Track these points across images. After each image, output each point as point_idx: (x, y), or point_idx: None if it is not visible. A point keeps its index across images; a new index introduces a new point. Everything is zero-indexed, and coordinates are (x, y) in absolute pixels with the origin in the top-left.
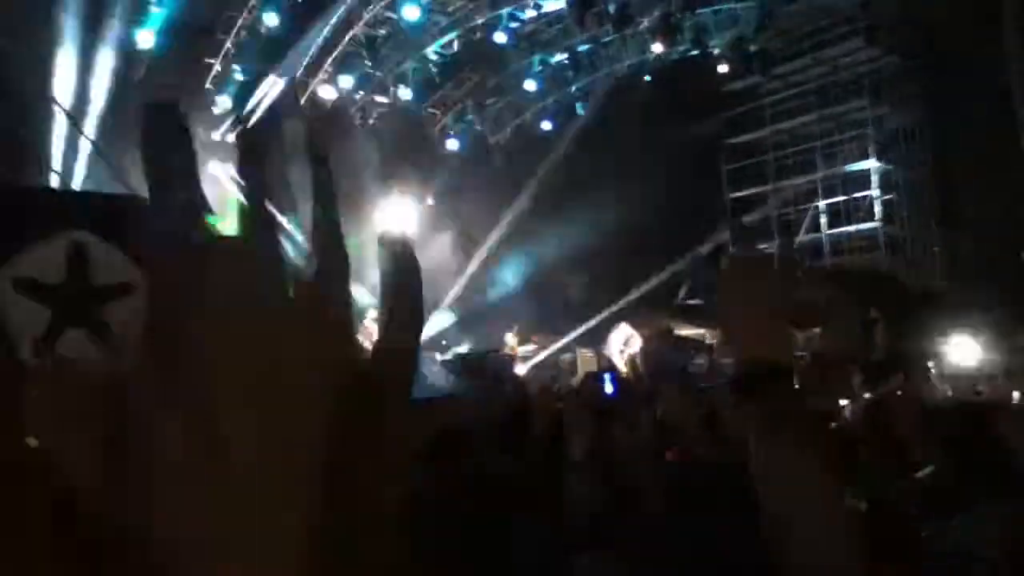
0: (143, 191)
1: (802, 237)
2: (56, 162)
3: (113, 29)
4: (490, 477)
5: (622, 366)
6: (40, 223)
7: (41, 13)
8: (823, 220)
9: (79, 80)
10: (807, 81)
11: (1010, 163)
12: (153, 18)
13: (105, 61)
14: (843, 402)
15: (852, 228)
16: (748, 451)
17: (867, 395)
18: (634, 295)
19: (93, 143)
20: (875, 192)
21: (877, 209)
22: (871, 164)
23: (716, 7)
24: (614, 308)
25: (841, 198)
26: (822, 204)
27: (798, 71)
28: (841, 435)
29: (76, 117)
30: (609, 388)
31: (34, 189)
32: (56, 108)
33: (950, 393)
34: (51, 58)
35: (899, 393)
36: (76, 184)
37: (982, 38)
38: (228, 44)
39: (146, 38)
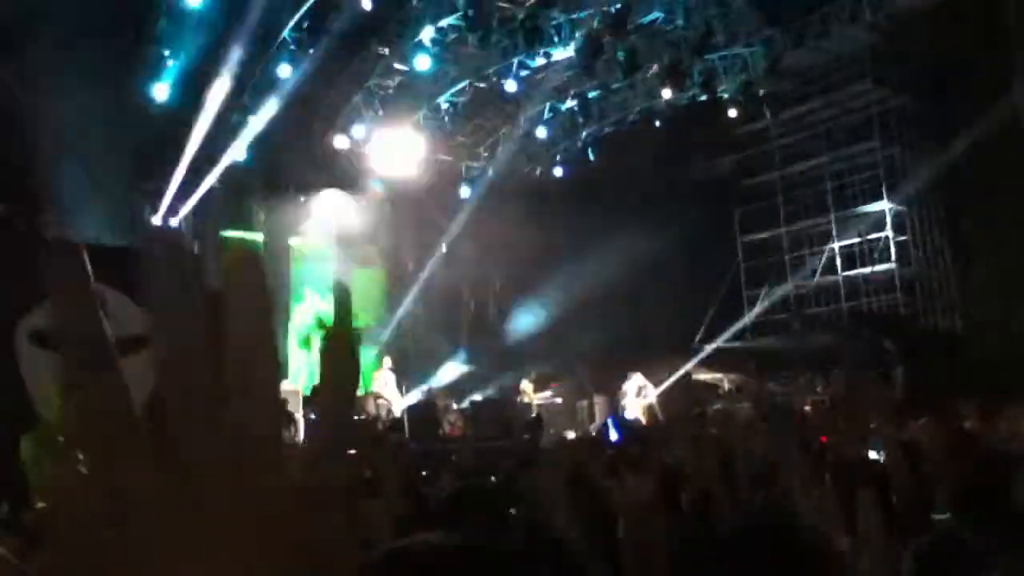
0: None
1: (817, 279)
2: (71, 215)
3: (130, 85)
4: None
5: (639, 414)
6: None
7: (56, 68)
8: (838, 262)
9: (94, 132)
10: (817, 123)
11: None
12: (168, 71)
13: (121, 115)
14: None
15: (867, 270)
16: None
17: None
18: (651, 341)
19: (106, 195)
20: (889, 233)
21: (892, 250)
22: (884, 205)
23: (724, 52)
24: (630, 354)
25: (856, 240)
26: (836, 246)
27: (807, 113)
28: (877, 480)
29: (92, 170)
30: (614, 435)
31: (49, 239)
32: (72, 161)
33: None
34: (65, 110)
35: (924, 435)
36: (90, 237)
37: (990, 75)
38: (244, 96)
39: (161, 91)
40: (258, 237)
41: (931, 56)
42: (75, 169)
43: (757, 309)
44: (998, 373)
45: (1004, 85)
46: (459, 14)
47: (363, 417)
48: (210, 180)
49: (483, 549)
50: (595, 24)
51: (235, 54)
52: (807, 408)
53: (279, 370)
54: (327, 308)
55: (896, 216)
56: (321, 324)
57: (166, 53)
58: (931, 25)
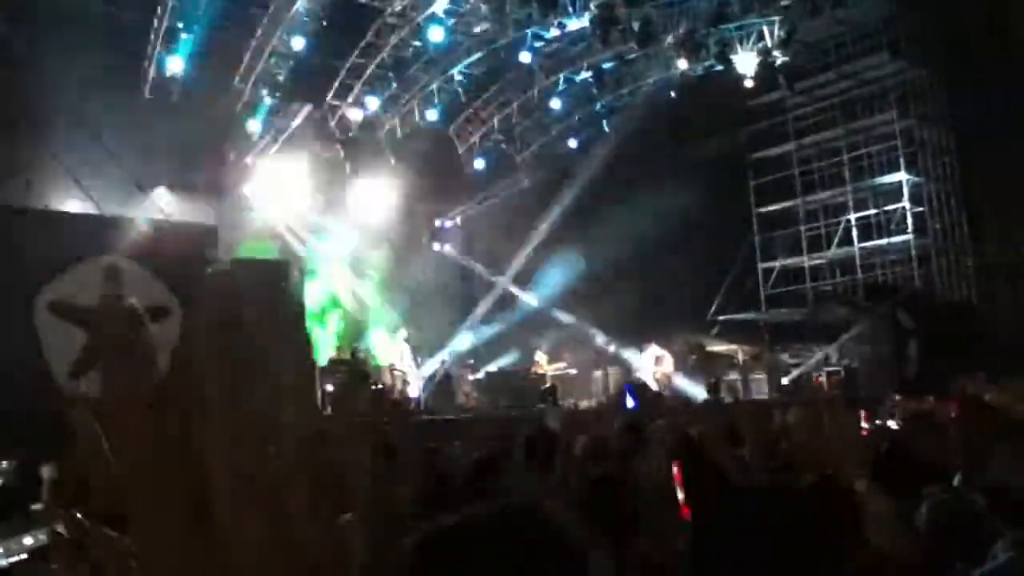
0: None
1: (833, 251)
2: (89, 189)
3: (144, 56)
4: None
5: (654, 384)
6: (77, 247)
7: (72, 42)
8: (854, 234)
9: (112, 108)
10: (832, 95)
11: None
12: (183, 44)
13: (137, 88)
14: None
15: (884, 241)
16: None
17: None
18: (666, 312)
19: (125, 169)
20: (906, 204)
21: (908, 222)
22: (901, 176)
23: (740, 22)
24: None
25: (872, 211)
26: (853, 217)
27: (823, 85)
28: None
29: (109, 145)
30: (630, 403)
31: (70, 215)
32: (89, 136)
33: None
34: (84, 86)
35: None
36: (110, 210)
37: (1006, 48)
38: (257, 69)
39: (176, 64)
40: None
41: (947, 27)
42: (93, 143)
43: (771, 280)
44: (1013, 345)
45: (1019, 57)
46: None
47: (381, 388)
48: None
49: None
50: None
51: (249, 27)
52: (821, 379)
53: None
54: (341, 284)
55: (913, 187)
56: (335, 301)
57: (180, 26)
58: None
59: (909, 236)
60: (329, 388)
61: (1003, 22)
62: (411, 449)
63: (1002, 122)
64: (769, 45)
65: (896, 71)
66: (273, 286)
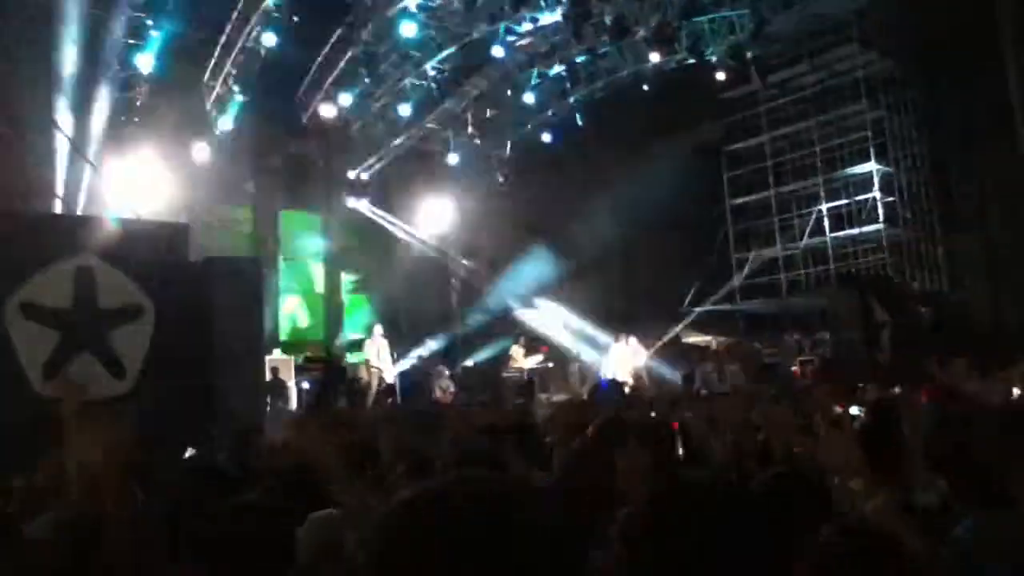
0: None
1: (806, 241)
2: (60, 188)
3: (113, 53)
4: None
5: (628, 377)
6: (47, 248)
7: (41, 39)
8: (826, 224)
9: (81, 105)
10: (804, 87)
11: (1008, 162)
12: (152, 41)
13: (106, 85)
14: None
15: (855, 231)
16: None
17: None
18: (640, 304)
19: (96, 168)
20: (877, 195)
21: (879, 212)
22: (872, 167)
23: (711, 15)
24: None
25: (843, 201)
26: (824, 208)
27: (795, 77)
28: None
29: (79, 143)
30: (605, 398)
31: (40, 215)
32: (59, 134)
33: None
34: (53, 84)
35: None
36: (81, 210)
37: (975, 40)
38: (228, 66)
39: (146, 61)
40: (247, 211)
41: (917, 19)
42: (64, 139)
43: (745, 271)
44: (985, 333)
45: (989, 49)
46: None
47: (355, 383)
48: (199, 152)
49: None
50: None
51: (219, 23)
52: (795, 369)
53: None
54: (319, 280)
55: (884, 177)
56: (315, 296)
57: (149, 23)
58: None
59: (880, 226)
60: (305, 385)
61: (970, 15)
62: (391, 444)
63: (971, 112)
64: (740, 38)
65: (866, 63)
66: (239, 281)
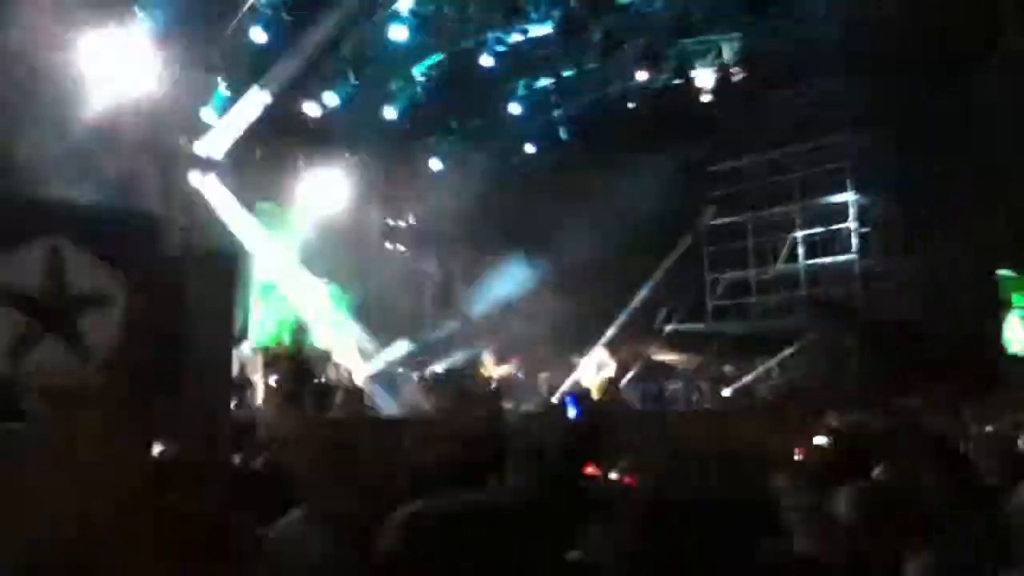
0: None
1: (779, 267)
2: (35, 170)
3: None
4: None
5: (594, 390)
6: (18, 228)
7: (25, 20)
8: (800, 251)
9: (62, 86)
10: (787, 112)
11: (984, 197)
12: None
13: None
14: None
15: (828, 260)
16: None
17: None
18: (614, 320)
19: (75, 150)
20: (852, 224)
21: (854, 241)
22: (848, 197)
23: (699, 38)
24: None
25: (819, 229)
26: (800, 235)
27: (779, 102)
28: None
29: (58, 123)
30: (572, 412)
31: (11, 195)
32: (38, 114)
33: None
34: (34, 64)
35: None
36: (55, 192)
37: (960, 72)
38: (213, 58)
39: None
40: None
41: (902, 49)
42: (46, 124)
43: (719, 292)
44: (951, 366)
45: (973, 80)
46: None
47: (323, 383)
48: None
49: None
50: (574, 2)
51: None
52: (765, 392)
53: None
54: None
55: (860, 208)
56: (279, 294)
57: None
58: (903, 23)
59: (854, 256)
60: (272, 383)
61: (958, 45)
62: (376, 448)
63: (952, 145)
64: (727, 61)
65: (850, 92)
66: (216, 274)
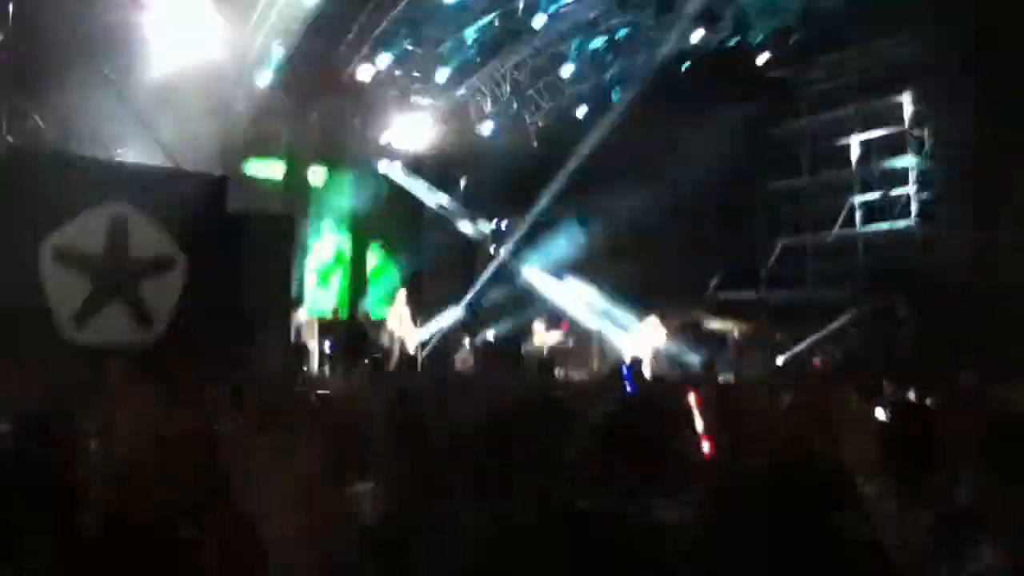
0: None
1: (836, 233)
2: (101, 132)
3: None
4: None
5: (649, 358)
6: (83, 193)
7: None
8: (858, 216)
9: (125, 51)
10: (847, 73)
11: None
12: None
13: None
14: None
15: (886, 226)
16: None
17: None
18: (666, 286)
19: (138, 114)
20: (912, 189)
21: (913, 207)
22: (909, 161)
23: None
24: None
25: (877, 194)
26: (857, 200)
27: (839, 63)
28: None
29: (121, 87)
30: (628, 387)
31: (74, 157)
32: (101, 78)
33: None
34: (97, 29)
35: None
36: (120, 155)
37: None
38: (270, 20)
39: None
40: (279, 165)
41: (968, 16)
42: (104, 87)
43: (772, 259)
44: (1010, 338)
45: None
46: None
47: (378, 348)
48: (236, 103)
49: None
50: None
51: None
52: (817, 362)
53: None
54: (346, 243)
55: (921, 173)
56: (340, 258)
57: None
58: None
59: (913, 221)
60: (327, 348)
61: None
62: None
63: (1017, 104)
64: (784, 20)
65: (913, 54)
66: (273, 238)
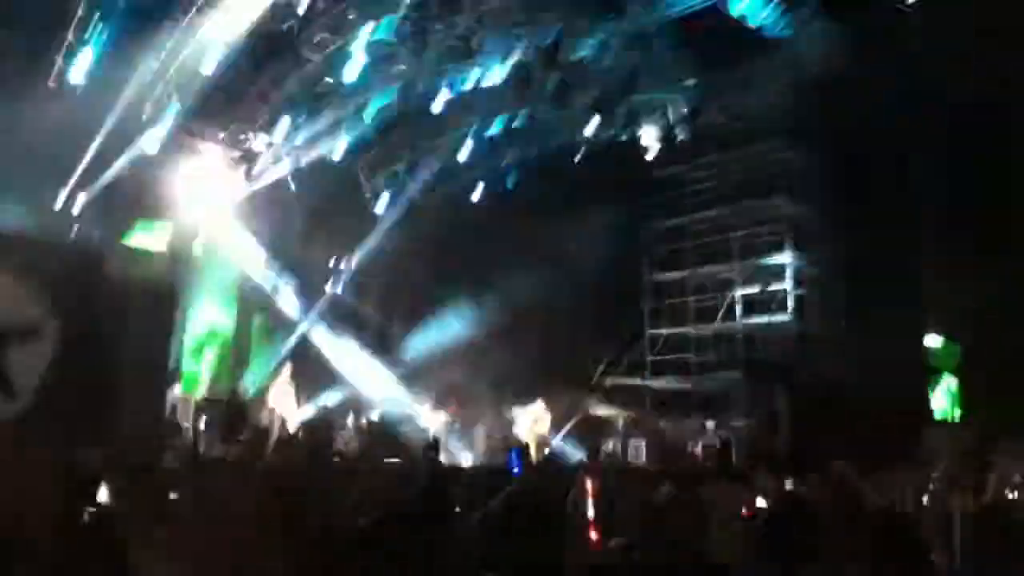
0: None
1: (717, 325)
2: None
3: (43, 64)
4: None
5: (531, 444)
6: None
7: None
8: (738, 310)
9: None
10: (729, 173)
11: (915, 265)
12: (86, 53)
13: (32, 95)
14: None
15: (766, 319)
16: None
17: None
18: (551, 371)
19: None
20: (788, 285)
21: (790, 303)
22: (786, 258)
23: (648, 95)
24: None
25: (757, 289)
26: (738, 293)
27: (721, 163)
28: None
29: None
30: (516, 468)
31: None
32: None
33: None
34: None
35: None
36: None
37: (896, 146)
38: (161, 86)
39: (77, 73)
40: (165, 232)
41: (844, 118)
42: None
43: (656, 348)
44: (882, 431)
45: (907, 156)
46: (393, 28)
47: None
48: (119, 168)
49: None
50: (527, 53)
51: (156, 40)
52: (697, 450)
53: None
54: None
55: (797, 270)
56: (214, 334)
57: (85, 35)
58: (846, 89)
59: (790, 316)
60: (201, 426)
61: (895, 122)
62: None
63: (886, 210)
64: (672, 120)
65: (791, 156)
66: (153, 309)
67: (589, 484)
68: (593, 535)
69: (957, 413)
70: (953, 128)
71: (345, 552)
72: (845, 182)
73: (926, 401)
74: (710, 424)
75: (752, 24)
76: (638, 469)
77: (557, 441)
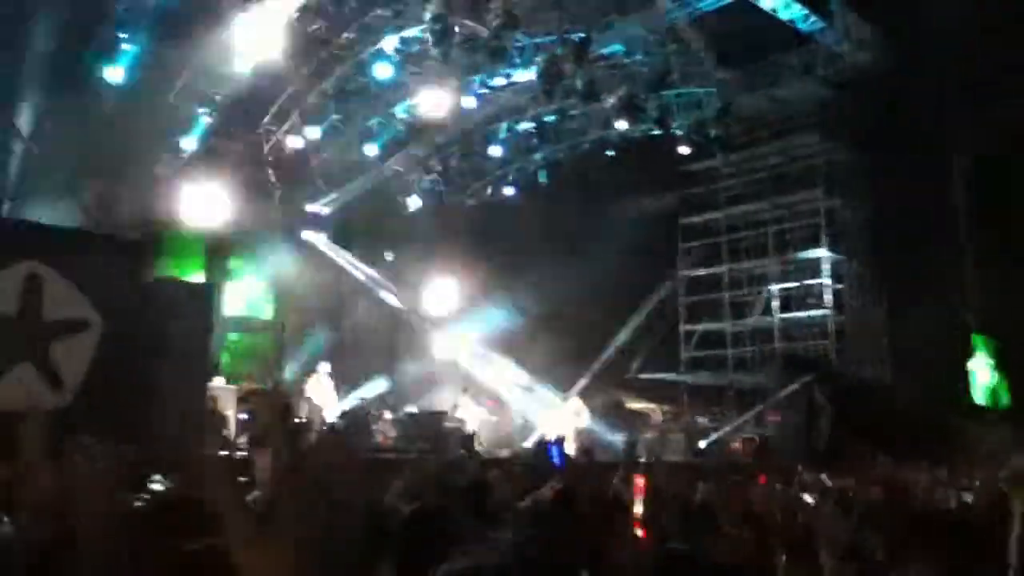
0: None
1: (754, 320)
2: (14, 193)
3: (83, 62)
4: None
5: (571, 438)
6: None
7: (8, 42)
8: (775, 305)
9: (44, 112)
10: (763, 168)
11: (952, 260)
12: (124, 55)
13: (72, 94)
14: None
15: (803, 314)
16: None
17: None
18: (589, 366)
19: (54, 175)
20: (826, 280)
21: (827, 297)
22: (822, 253)
23: (679, 90)
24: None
25: (793, 284)
26: (775, 288)
27: (755, 158)
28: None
29: (39, 148)
30: (557, 461)
31: None
32: (17, 139)
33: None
34: (16, 88)
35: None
36: (35, 216)
37: (931, 136)
38: (196, 87)
39: (115, 74)
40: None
41: (877, 113)
42: (26, 146)
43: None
44: (919, 426)
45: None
46: (423, 27)
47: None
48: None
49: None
50: (557, 50)
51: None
52: (736, 445)
53: None
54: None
55: (834, 264)
56: (262, 327)
57: (123, 36)
58: (879, 85)
59: (827, 311)
60: (243, 417)
61: (919, 115)
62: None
63: (921, 206)
64: (705, 115)
65: (825, 149)
66: (192, 305)
67: (639, 480)
68: (640, 532)
69: (998, 409)
70: (990, 120)
71: (390, 539)
72: (882, 175)
73: (966, 396)
74: (750, 420)
75: (783, 18)
76: (677, 464)
77: (600, 434)
